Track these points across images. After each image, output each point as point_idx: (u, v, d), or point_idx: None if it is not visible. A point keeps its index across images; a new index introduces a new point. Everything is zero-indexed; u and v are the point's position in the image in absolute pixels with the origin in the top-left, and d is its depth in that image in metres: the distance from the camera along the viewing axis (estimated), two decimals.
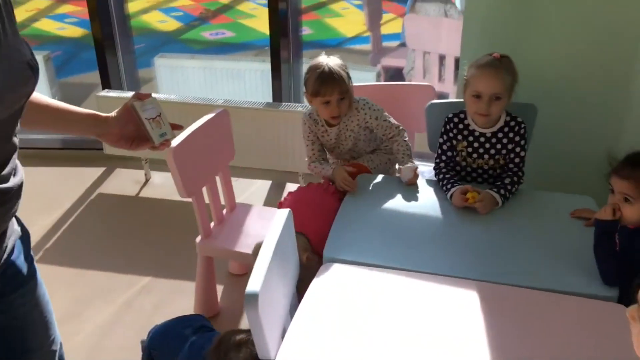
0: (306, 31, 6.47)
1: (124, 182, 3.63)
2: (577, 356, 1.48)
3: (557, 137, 2.54)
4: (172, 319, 2.11)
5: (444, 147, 2.26)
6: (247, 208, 2.65)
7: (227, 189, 2.58)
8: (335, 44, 6.62)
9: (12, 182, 1.12)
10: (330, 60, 2.27)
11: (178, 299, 2.61)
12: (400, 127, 2.40)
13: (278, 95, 3.47)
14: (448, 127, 2.24)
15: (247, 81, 4.10)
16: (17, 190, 1.14)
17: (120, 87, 3.76)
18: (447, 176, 2.21)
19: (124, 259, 2.90)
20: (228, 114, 2.51)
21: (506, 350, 1.50)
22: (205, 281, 2.49)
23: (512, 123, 2.20)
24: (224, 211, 2.58)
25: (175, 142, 2.19)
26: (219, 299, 2.60)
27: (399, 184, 2.28)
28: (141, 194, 3.52)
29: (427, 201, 2.18)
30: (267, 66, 3.55)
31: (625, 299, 1.65)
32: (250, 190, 3.47)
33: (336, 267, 1.81)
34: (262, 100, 3.44)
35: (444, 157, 2.27)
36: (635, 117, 2.39)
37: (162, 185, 3.58)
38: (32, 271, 1.30)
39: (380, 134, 2.42)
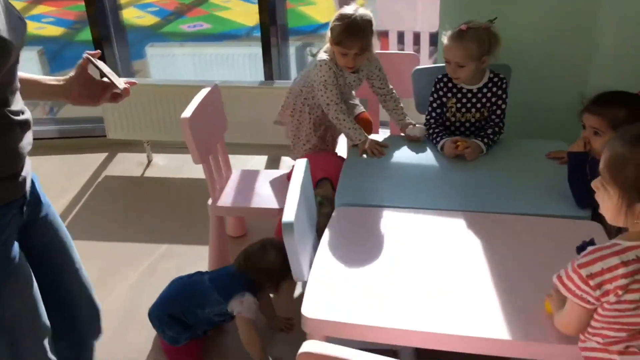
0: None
1: (127, 165, 3.84)
2: (560, 267, 1.76)
3: (531, 91, 2.83)
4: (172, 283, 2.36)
5: (434, 104, 2.54)
6: (249, 173, 2.92)
7: (225, 158, 2.82)
8: (309, 31, 6.87)
9: (27, 115, 1.40)
10: (360, 13, 2.39)
11: (199, 261, 2.84)
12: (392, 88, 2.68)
13: (269, 76, 3.72)
14: (438, 86, 2.52)
15: (235, 65, 4.33)
16: (30, 123, 1.42)
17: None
18: (436, 130, 2.49)
19: (140, 231, 3.13)
20: (219, 89, 2.74)
21: (501, 265, 1.77)
22: (218, 241, 2.72)
23: (495, 79, 2.48)
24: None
25: (186, 114, 2.41)
26: None
27: (397, 139, 2.57)
28: (146, 174, 3.73)
29: (422, 152, 2.46)
30: (253, 50, 3.78)
31: (596, 217, 1.95)
32: (250, 164, 3.71)
33: (349, 209, 2.07)
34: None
35: (434, 114, 2.55)
36: (597, 68, 2.71)
37: (165, 166, 3.79)
38: (47, 200, 1.59)
39: (377, 85, 2.67)
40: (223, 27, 7.11)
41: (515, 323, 1.55)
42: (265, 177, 2.89)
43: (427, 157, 2.42)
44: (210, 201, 2.66)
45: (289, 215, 1.70)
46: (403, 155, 2.46)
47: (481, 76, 2.47)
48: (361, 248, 1.87)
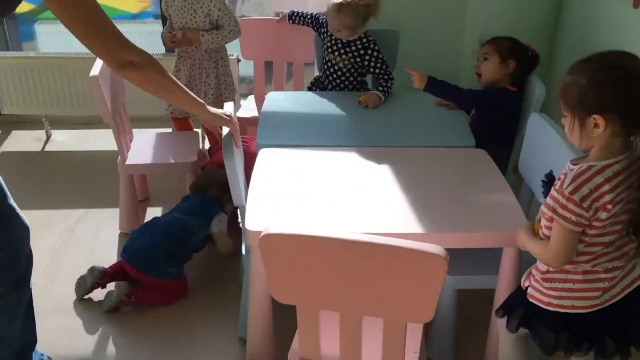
0: None
1: (24, 141, 3.77)
2: (453, 187, 2.08)
3: (417, 52, 3.22)
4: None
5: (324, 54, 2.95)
6: (149, 135, 3.07)
7: (127, 119, 2.93)
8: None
9: None
10: None
11: (115, 223, 2.93)
12: None
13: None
14: (321, 30, 3.00)
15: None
16: None
17: (7, 48, 3.91)
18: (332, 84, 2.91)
19: (51, 200, 3.14)
20: None
21: (408, 182, 2.07)
22: (128, 200, 2.84)
23: (364, 40, 2.83)
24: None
25: (94, 72, 2.51)
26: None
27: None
28: (46, 149, 3.70)
29: (330, 101, 2.77)
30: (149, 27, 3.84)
31: (480, 146, 2.32)
32: None
33: (270, 150, 2.29)
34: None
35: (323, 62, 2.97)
36: (470, 25, 3.16)
37: (65, 142, 3.78)
38: None
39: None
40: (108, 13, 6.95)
41: (430, 219, 1.84)
42: (166, 138, 3.05)
43: (336, 107, 2.71)
44: (119, 161, 2.76)
45: (228, 149, 1.90)
46: (316, 101, 2.76)
47: (354, 33, 2.83)
48: (288, 179, 2.09)
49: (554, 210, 1.46)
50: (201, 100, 1.98)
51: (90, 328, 2.34)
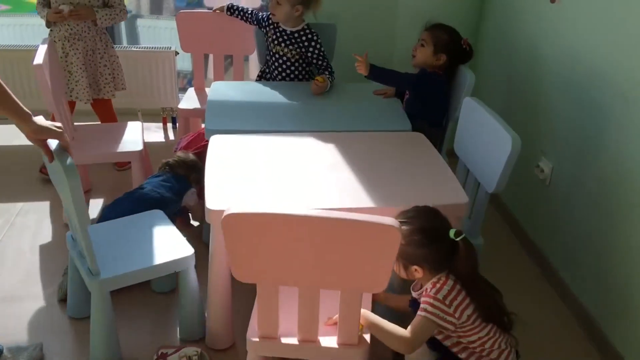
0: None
1: None
2: (397, 166, 2.21)
3: (354, 44, 3.36)
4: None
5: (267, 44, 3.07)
6: (87, 127, 3.06)
7: (69, 111, 2.93)
8: None
9: None
10: None
11: (57, 215, 2.91)
12: None
13: None
14: (265, 22, 3.08)
15: None
16: None
17: None
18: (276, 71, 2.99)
19: None
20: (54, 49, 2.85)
21: (353, 162, 2.21)
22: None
23: (307, 32, 2.97)
24: None
25: (38, 60, 2.49)
26: None
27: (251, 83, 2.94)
28: None
29: (273, 90, 2.86)
30: None
31: (415, 126, 2.50)
32: None
33: (221, 136, 2.36)
34: None
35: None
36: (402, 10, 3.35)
37: None
38: None
39: None
40: (22, 9, 6.78)
41: (379, 195, 1.97)
42: (108, 128, 3.06)
43: (279, 94, 2.82)
44: None
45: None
46: (259, 92, 2.84)
47: (297, 23, 2.95)
48: (241, 162, 2.17)
49: (424, 310, 1.67)
50: (27, 110, 1.66)
51: (41, 313, 2.34)
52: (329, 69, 2.96)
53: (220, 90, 2.86)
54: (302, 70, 3.03)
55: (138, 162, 2.81)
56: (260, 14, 3.13)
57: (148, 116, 3.83)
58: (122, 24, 4.23)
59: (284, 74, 3.03)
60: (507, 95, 3.05)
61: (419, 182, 2.08)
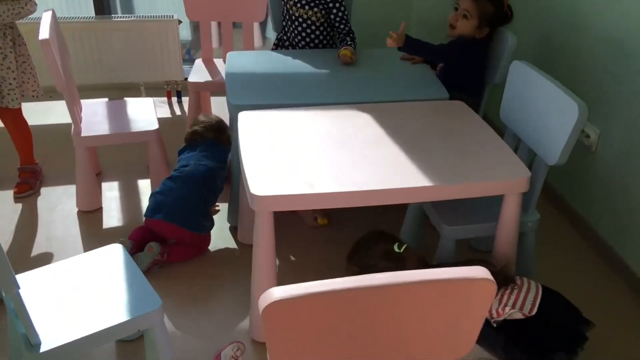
0: None
1: None
2: (444, 139, 2.05)
3: (371, 5, 3.18)
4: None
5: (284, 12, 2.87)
6: (96, 104, 2.84)
7: (75, 90, 2.70)
8: None
9: None
10: None
11: (70, 201, 2.73)
12: None
13: (100, 8, 3.57)
14: None
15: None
16: None
17: None
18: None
19: None
20: (55, 14, 2.55)
21: (398, 135, 2.05)
22: (86, 176, 2.62)
23: None
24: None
25: (44, 35, 2.26)
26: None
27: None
28: None
29: (294, 59, 2.68)
30: None
31: (451, 97, 2.34)
32: None
33: (250, 113, 2.17)
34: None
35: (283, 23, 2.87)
36: None
37: None
38: None
39: None
40: None
41: (433, 172, 1.83)
42: (117, 106, 2.84)
43: (301, 63, 2.64)
44: (73, 133, 2.55)
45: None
46: (279, 62, 2.65)
47: None
48: (277, 140, 2.00)
49: None
50: None
51: None
52: (351, 34, 2.77)
53: (237, 61, 2.65)
54: (327, 34, 2.83)
55: (155, 142, 2.62)
56: None
57: (150, 90, 3.62)
58: None
59: (307, 39, 2.82)
60: (542, 56, 2.87)
61: (472, 156, 1.93)
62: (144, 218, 2.42)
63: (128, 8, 4.25)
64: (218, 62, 3.22)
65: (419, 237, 2.37)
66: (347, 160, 1.89)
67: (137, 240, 2.33)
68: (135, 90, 3.62)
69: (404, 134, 2.05)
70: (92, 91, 3.48)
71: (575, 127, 1.81)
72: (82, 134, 2.53)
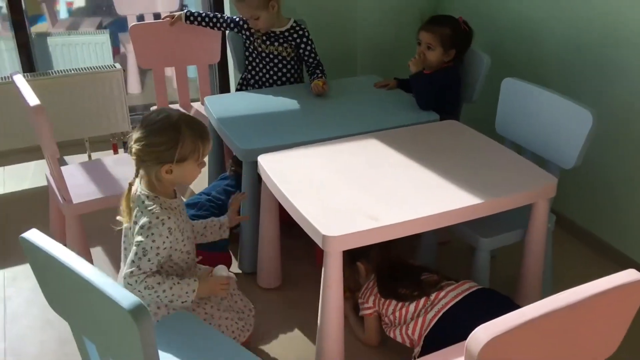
0: None
1: None
2: (461, 158, 2.15)
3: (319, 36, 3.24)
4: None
5: (247, 53, 2.90)
6: (73, 167, 2.67)
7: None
8: None
9: None
10: None
11: None
12: None
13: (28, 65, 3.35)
14: (247, 34, 2.86)
15: None
16: None
17: None
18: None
19: None
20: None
21: (422, 166, 2.13)
22: (80, 242, 2.44)
23: (297, 28, 2.81)
24: None
25: (37, 101, 2.14)
26: None
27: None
28: None
29: (274, 97, 2.71)
30: None
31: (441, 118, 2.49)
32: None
33: (269, 156, 2.15)
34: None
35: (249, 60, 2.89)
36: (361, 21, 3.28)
37: None
38: None
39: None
40: None
41: (472, 190, 1.93)
42: (94, 166, 2.66)
43: (283, 100, 2.67)
44: (61, 202, 2.37)
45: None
46: (261, 102, 2.66)
47: (283, 22, 2.80)
48: (313, 178, 2.01)
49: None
50: None
51: None
52: (321, 67, 2.83)
53: (218, 105, 2.61)
54: (298, 69, 2.88)
55: None
56: (231, 16, 2.90)
57: (95, 144, 3.43)
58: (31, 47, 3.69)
59: (279, 74, 2.83)
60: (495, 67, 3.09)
61: (494, 170, 2.07)
62: None
63: (47, 63, 3.99)
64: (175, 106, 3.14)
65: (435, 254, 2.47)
66: (390, 189, 1.95)
67: None
68: (79, 147, 3.40)
69: (418, 157, 2.14)
70: (35, 153, 3.22)
71: (590, 132, 2.01)
72: (74, 202, 2.35)
